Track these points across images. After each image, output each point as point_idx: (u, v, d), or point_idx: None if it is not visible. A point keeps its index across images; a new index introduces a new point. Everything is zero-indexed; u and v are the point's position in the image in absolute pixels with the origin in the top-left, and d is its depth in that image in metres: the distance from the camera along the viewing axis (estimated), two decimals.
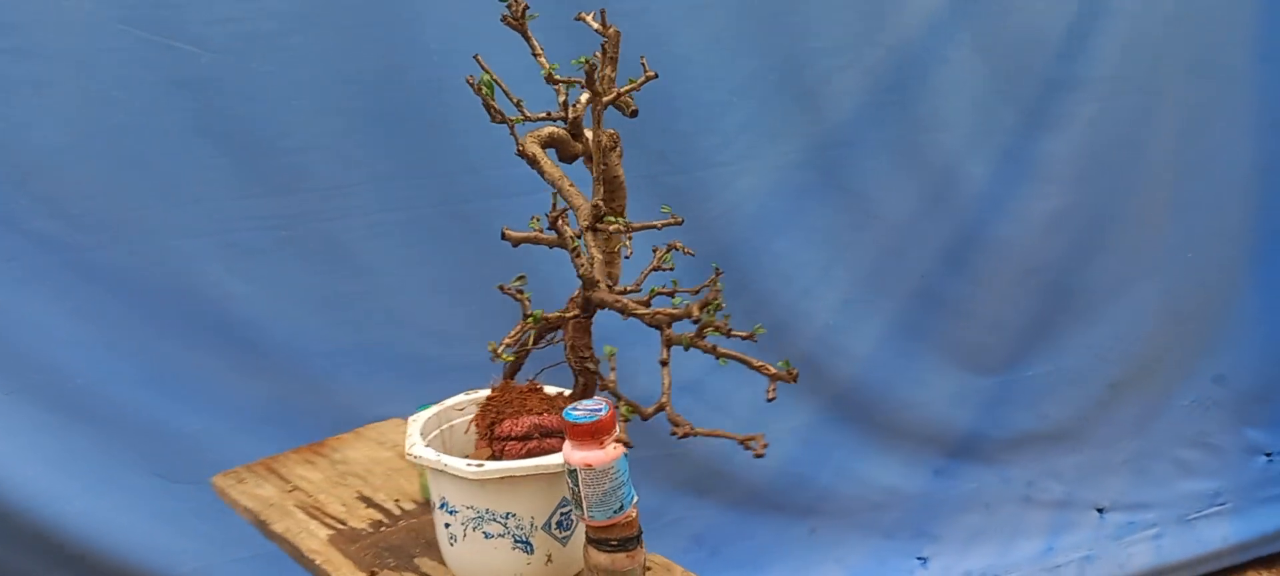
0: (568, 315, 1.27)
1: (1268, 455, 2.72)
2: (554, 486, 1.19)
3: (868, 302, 2.26)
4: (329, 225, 1.90)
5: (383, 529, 1.38)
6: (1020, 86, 2.26)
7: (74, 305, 1.82)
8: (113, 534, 1.87)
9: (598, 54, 1.13)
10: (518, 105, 1.17)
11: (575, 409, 1.11)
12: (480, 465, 1.15)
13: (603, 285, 1.18)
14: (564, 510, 1.21)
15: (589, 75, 1.10)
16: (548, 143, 1.26)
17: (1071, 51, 2.27)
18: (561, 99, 1.18)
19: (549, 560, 1.20)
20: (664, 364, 1.13)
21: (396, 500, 1.46)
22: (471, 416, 1.34)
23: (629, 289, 1.22)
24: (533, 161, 1.20)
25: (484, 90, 1.13)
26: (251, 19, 1.80)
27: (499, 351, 1.14)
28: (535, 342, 1.35)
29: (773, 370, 1.11)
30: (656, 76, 1.17)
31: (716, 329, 1.13)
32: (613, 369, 1.17)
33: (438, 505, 1.21)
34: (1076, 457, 2.58)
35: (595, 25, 1.18)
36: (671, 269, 1.17)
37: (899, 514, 2.46)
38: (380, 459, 1.59)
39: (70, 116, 1.76)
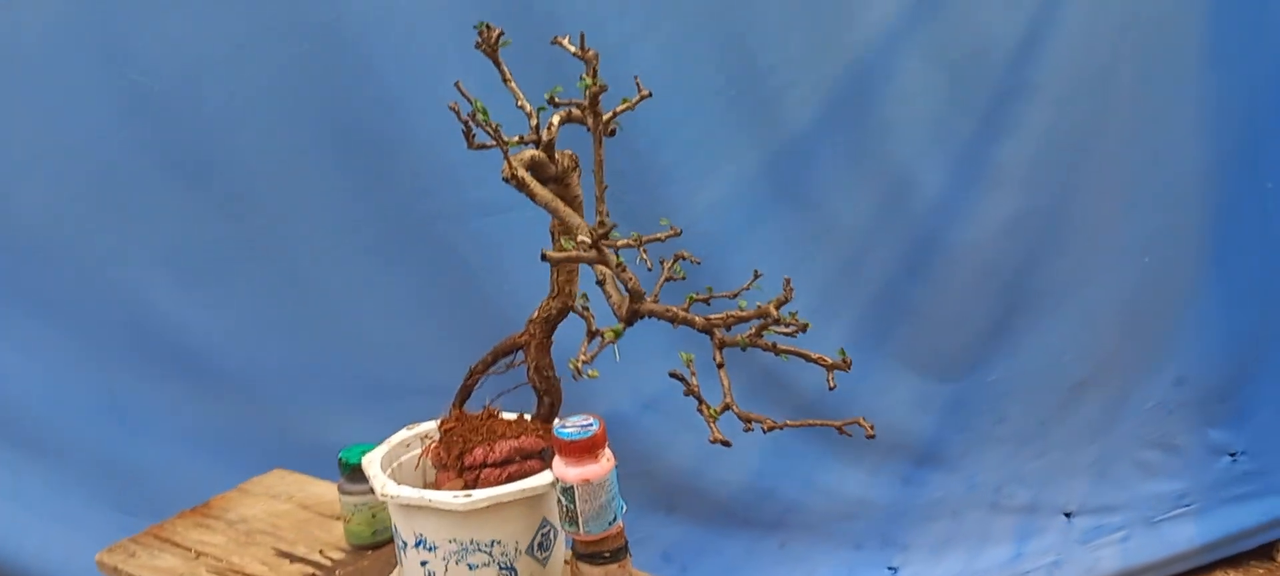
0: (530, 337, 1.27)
1: (1232, 455, 2.73)
2: (536, 509, 1.19)
3: (829, 312, 2.26)
4: (282, 249, 1.89)
5: None
6: (974, 94, 2.28)
7: (23, 338, 1.80)
8: (69, 569, 1.83)
9: (592, 79, 1.13)
10: (496, 131, 1.17)
11: (565, 426, 1.12)
12: (468, 495, 1.14)
13: (648, 297, 1.17)
14: (544, 531, 1.21)
15: (593, 99, 1.10)
16: (529, 166, 1.26)
17: (1024, 59, 2.28)
18: (532, 122, 1.18)
19: None
20: (720, 366, 1.12)
21: (320, 551, 1.43)
22: (418, 451, 1.33)
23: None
24: (522, 185, 1.19)
25: (479, 116, 1.12)
26: (201, 44, 1.79)
27: (578, 367, 1.13)
28: (490, 367, 1.34)
29: (829, 361, 1.10)
30: (650, 94, 1.17)
31: (783, 324, 1.12)
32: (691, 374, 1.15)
33: (411, 544, 1.19)
34: (1041, 461, 2.59)
35: (573, 49, 1.19)
36: (683, 277, 1.18)
37: (867, 524, 2.46)
38: (281, 511, 1.54)
39: (17, 145, 1.74)
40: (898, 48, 2.20)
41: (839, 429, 1.14)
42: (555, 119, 1.23)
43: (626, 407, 2.14)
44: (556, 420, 1.17)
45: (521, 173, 1.19)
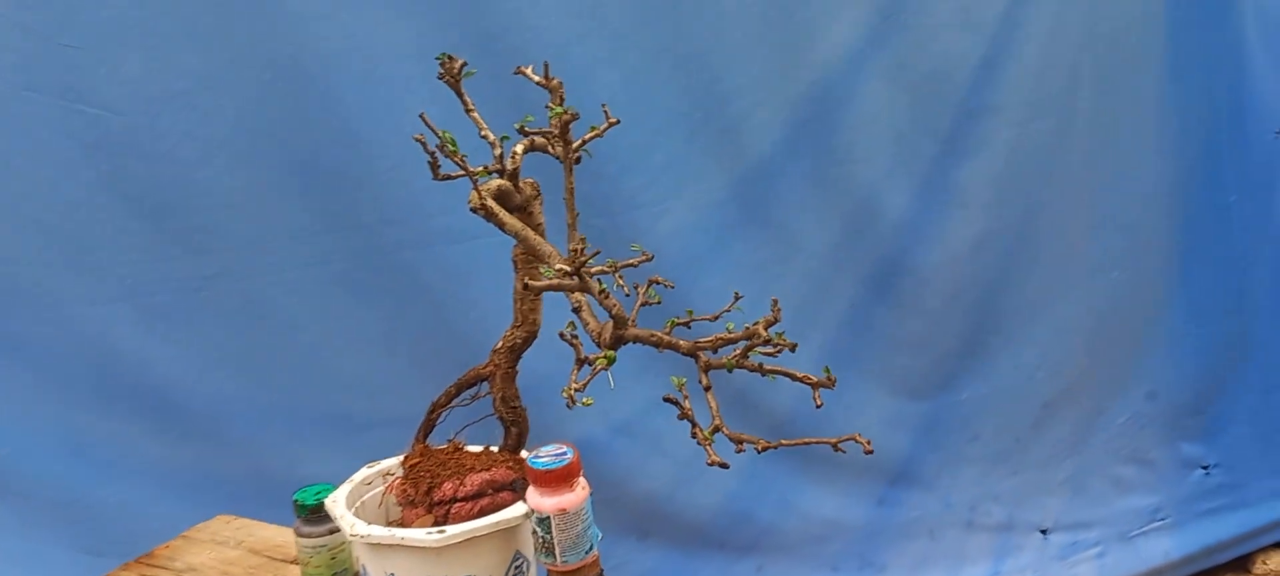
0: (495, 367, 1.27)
1: (1204, 468, 2.75)
2: (509, 541, 1.18)
3: (798, 334, 2.22)
4: (246, 283, 1.87)
5: None
6: (937, 115, 2.29)
7: None
8: None
9: (561, 106, 1.13)
10: (462, 160, 1.17)
11: (539, 456, 1.12)
12: (441, 531, 1.13)
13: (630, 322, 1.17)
14: (517, 564, 1.20)
15: (564, 127, 1.10)
16: (495, 195, 1.26)
17: (984, 80, 2.30)
18: (496, 152, 1.18)
19: None
20: (707, 389, 1.13)
21: None
22: (381, 489, 1.32)
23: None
24: (491, 215, 1.19)
25: (448, 146, 1.12)
26: (160, 79, 1.78)
27: (572, 395, 1.12)
28: (453, 400, 1.33)
29: (814, 379, 1.13)
30: (618, 122, 1.17)
31: (770, 344, 1.13)
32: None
33: None
34: (1016, 479, 2.60)
35: (536, 78, 1.20)
36: (659, 302, 1.18)
37: (843, 545, 2.46)
38: (232, 558, 1.51)
39: None
40: (860, 69, 2.22)
41: (834, 446, 1.15)
42: (519, 148, 1.24)
43: (597, 434, 2.13)
44: (530, 450, 1.17)
45: (490, 202, 1.20)
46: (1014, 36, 2.31)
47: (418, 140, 1.14)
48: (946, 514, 2.55)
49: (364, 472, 1.32)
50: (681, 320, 1.19)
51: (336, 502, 1.24)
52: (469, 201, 1.20)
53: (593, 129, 1.16)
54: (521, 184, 1.24)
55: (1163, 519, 2.72)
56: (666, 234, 2.14)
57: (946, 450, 2.51)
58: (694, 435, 1.11)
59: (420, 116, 1.14)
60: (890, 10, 2.20)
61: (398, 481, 1.28)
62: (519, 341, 1.32)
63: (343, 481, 1.30)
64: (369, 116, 1.88)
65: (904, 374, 2.41)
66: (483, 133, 1.18)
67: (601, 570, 1.14)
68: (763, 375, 1.14)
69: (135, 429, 1.87)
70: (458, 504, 1.21)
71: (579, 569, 1.12)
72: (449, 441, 1.33)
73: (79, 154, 1.76)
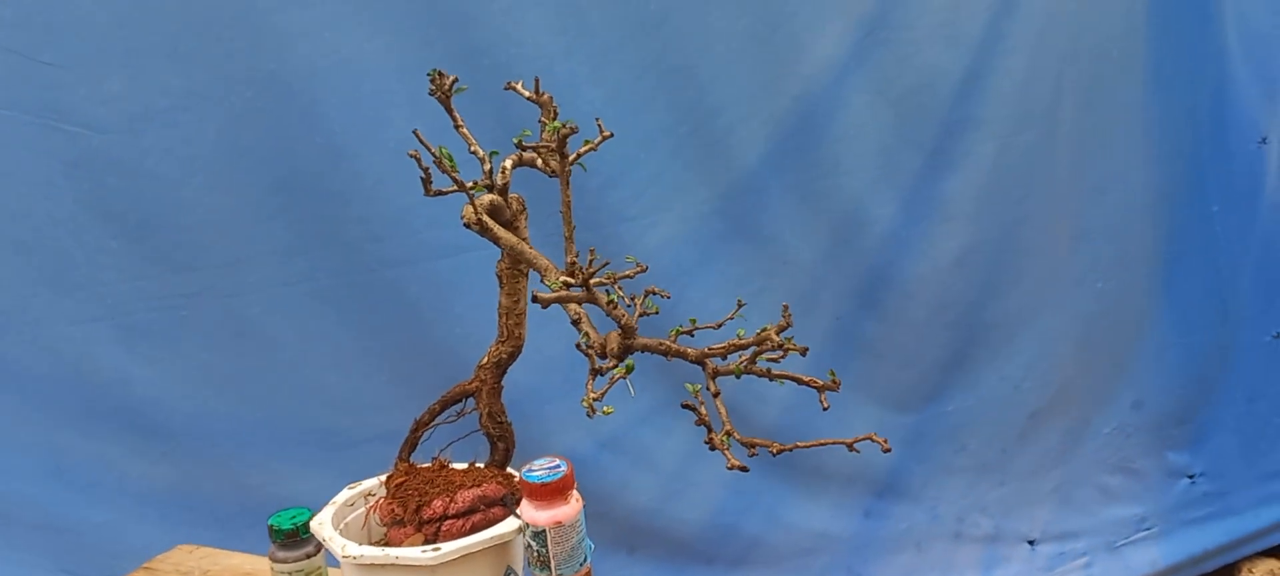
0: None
1: (1190, 477, 2.75)
2: (501, 557, 1.18)
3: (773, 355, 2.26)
4: (229, 301, 1.86)
5: None
6: (921, 129, 2.30)
7: None
8: None
9: (557, 121, 1.14)
10: (453, 176, 1.16)
11: (533, 470, 1.14)
12: (436, 548, 1.13)
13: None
14: None
15: (562, 141, 1.10)
16: (487, 211, 1.26)
17: (969, 93, 2.31)
18: (486, 167, 1.19)
19: None
20: (716, 395, 1.14)
21: None
22: (363, 510, 1.31)
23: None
24: (486, 230, 1.20)
25: (445, 163, 1.12)
26: (142, 97, 1.77)
27: (591, 405, 1.12)
28: (437, 417, 1.33)
29: (820, 383, 1.15)
30: (612, 135, 1.18)
31: (778, 348, 1.15)
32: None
33: None
34: (1003, 490, 2.60)
35: (526, 93, 1.21)
36: (656, 312, 1.18)
37: (831, 558, 2.45)
38: None
39: None
40: (844, 83, 2.22)
41: (849, 446, 1.16)
42: (507, 163, 1.24)
43: (584, 448, 2.12)
44: (525, 464, 1.18)
45: (485, 217, 1.20)
46: (997, 50, 2.31)
47: (412, 156, 1.14)
48: (934, 525, 2.55)
49: (346, 494, 1.31)
50: (685, 329, 1.21)
51: (323, 525, 1.23)
52: (464, 216, 1.20)
53: (587, 143, 1.16)
54: (510, 199, 1.24)
55: (1149, 528, 2.73)
56: (653, 247, 2.13)
57: (933, 461, 2.51)
58: (709, 439, 1.12)
59: (414, 133, 1.14)
60: (874, 25, 2.21)
61: (383, 501, 1.28)
62: (505, 357, 1.32)
63: (322, 503, 1.30)
64: (352, 133, 1.87)
65: (890, 385, 2.41)
66: (472, 148, 1.18)
67: None
68: (770, 379, 1.16)
69: (117, 448, 1.86)
70: (448, 521, 1.20)
71: None
72: (434, 458, 1.32)
73: (59, 172, 1.75)
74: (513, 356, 1.33)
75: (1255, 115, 2.53)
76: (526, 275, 1.31)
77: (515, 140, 1.15)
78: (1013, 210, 2.41)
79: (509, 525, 1.18)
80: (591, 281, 1.10)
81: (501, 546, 1.17)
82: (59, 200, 1.76)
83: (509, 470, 1.34)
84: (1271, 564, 2.75)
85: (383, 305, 1.93)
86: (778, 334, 1.14)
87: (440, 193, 1.19)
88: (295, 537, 1.26)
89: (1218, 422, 2.74)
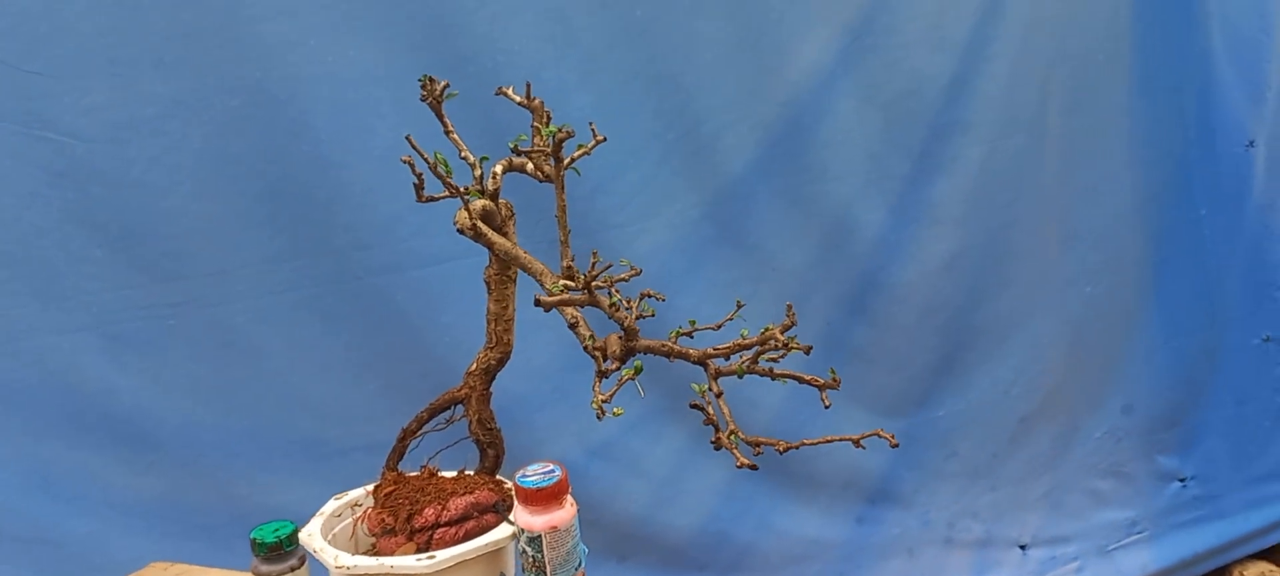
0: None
1: (1181, 481, 2.76)
2: (495, 564, 1.19)
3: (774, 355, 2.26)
4: (215, 311, 1.85)
5: None
6: (909, 134, 2.30)
7: None
8: None
9: (553, 125, 1.14)
10: (447, 181, 1.16)
11: (527, 475, 1.14)
12: (431, 557, 1.13)
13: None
14: None
15: (558, 145, 1.11)
16: (480, 216, 1.26)
17: (956, 97, 2.32)
18: (476, 173, 1.19)
19: None
20: (718, 395, 1.15)
21: None
22: (350, 520, 1.30)
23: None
24: (480, 236, 1.20)
25: (441, 168, 1.12)
26: (126, 105, 1.76)
27: (600, 407, 1.11)
28: (425, 425, 1.32)
29: (820, 381, 1.17)
30: (605, 139, 1.18)
31: (782, 346, 1.16)
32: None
33: None
34: (994, 495, 2.60)
35: (517, 98, 1.22)
36: (652, 314, 1.18)
37: (823, 564, 2.44)
38: None
39: None
40: (831, 89, 2.22)
41: (855, 442, 1.19)
42: (498, 168, 1.25)
43: (574, 456, 2.11)
44: (517, 470, 1.18)
45: (479, 223, 1.20)
46: (984, 55, 2.32)
47: (406, 162, 1.14)
48: (925, 531, 2.54)
49: (332, 504, 1.31)
50: (685, 330, 1.21)
51: (313, 536, 1.22)
52: (457, 222, 1.20)
53: (580, 147, 1.16)
54: (499, 204, 1.25)
55: (1140, 532, 2.73)
56: (641, 254, 2.13)
57: (924, 467, 2.51)
58: (716, 439, 1.12)
59: (406, 139, 1.14)
60: (861, 30, 2.21)
61: (372, 510, 1.27)
62: (493, 363, 1.31)
63: (310, 514, 1.29)
64: (339, 141, 1.87)
65: (881, 391, 2.41)
66: (463, 154, 1.18)
67: None
68: (773, 379, 1.17)
69: (102, 459, 1.84)
70: (441, 529, 1.20)
71: None
72: (423, 467, 1.32)
73: (44, 181, 1.74)
74: (501, 362, 1.32)
75: (1242, 118, 2.54)
76: (515, 280, 1.31)
77: (511, 144, 1.15)
78: (1001, 214, 2.41)
79: (503, 531, 1.18)
80: (592, 284, 1.10)
81: (496, 553, 1.17)
82: (44, 209, 1.74)
83: (499, 477, 1.34)
84: (1263, 566, 2.75)
85: (370, 314, 1.92)
86: (782, 333, 1.14)
87: (432, 198, 1.19)
88: (279, 551, 1.25)
89: (1207, 426, 2.75)
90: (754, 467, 1.09)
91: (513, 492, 1.18)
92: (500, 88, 1.24)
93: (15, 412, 1.79)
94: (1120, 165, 2.53)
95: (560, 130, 1.10)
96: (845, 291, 2.33)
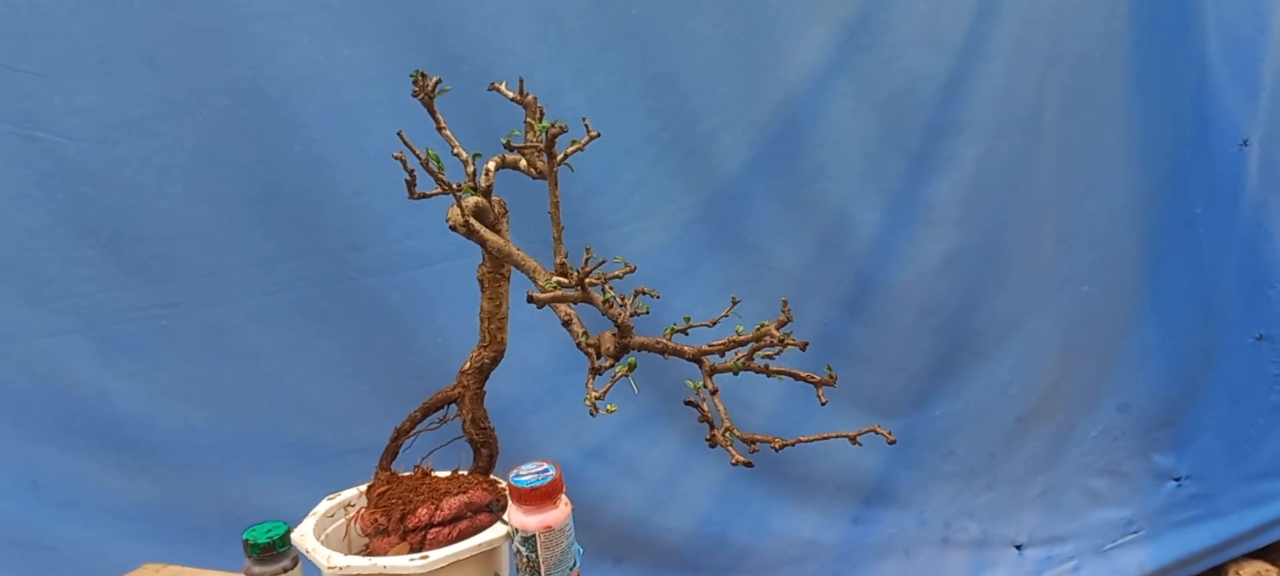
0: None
1: (1176, 480, 2.76)
2: (489, 563, 1.18)
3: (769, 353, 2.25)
4: (207, 313, 1.84)
5: None
6: (904, 133, 2.29)
7: None
8: None
9: (540, 120, 1.14)
10: (440, 177, 1.16)
11: (521, 474, 1.14)
12: (424, 557, 1.12)
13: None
14: None
15: (551, 140, 1.10)
16: (472, 213, 1.25)
17: (952, 97, 2.31)
18: (469, 170, 1.18)
19: None
20: (713, 393, 1.14)
21: None
22: (343, 521, 1.30)
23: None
24: (473, 233, 1.19)
25: (433, 164, 1.12)
26: (118, 106, 1.74)
27: (594, 404, 1.11)
28: (418, 425, 1.32)
29: (817, 378, 1.16)
30: (599, 135, 1.17)
31: (777, 343, 1.15)
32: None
33: None
34: (990, 495, 2.60)
35: (511, 95, 1.21)
36: (647, 312, 1.18)
37: (819, 565, 2.44)
38: None
39: None
40: (827, 88, 2.22)
41: (852, 439, 1.18)
42: (491, 165, 1.24)
43: (569, 458, 2.11)
44: (511, 470, 1.17)
45: (471, 220, 1.19)
46: (979, 54, 2.31)
47: (397, 158, 1.13)
48: (921, 531, 2.54)
49: (325, 505, 1.30)
50: (680, 327, 1.20)
51: (305, 536, 1.22)
52: (449, 219, 1.20)
53: (574, 143, 1.16)
54: (492, 201, 1.24)
55: (1137, 531, 2.73)
56: (636, 254, 2.11)
57: (921, 468, 2.51)
58: (711, 437, 1.11)
59: (398, 135, 1.13)
60: (856, 29, 2.21)
61: (365, 510, 1.26)
62: (487, 361, 1.31)
63: (303, 515, 1.28)
64: (331, 142, 1.86)
65: (877, 391, 2.41)
66: (455, 150, 1.18)
67: None
68: (769, 376, 1.17)
69: (94, 462, 1.83)
70: (434, 529, 1.20)
71: None
72: (416, 467, 1.31)
73: (35, 182, 1.73)
74: (495, 361, 1.32)
75: (1236, 117, 2.54)
76: (508, 279, 1.30)
77: (503, 140, 1.14)
78: (997, 214, 2.41)
79: (497, 531, 1.17)
80: (586, 281, 1.10)
81: (490, 553, 1.17)
82: (34, 211, 1.73)
83: (493, 476, 1.33)
84: (1259, 565, 2.75)
85: (364, 315, 1.92)
86: (778, 329, 1.14)
87: (424, 195, 1.18)
88: (271, 551, 1.24)
89: (1202, 425, 2.75)
90: (749, 465, 1.08)
91: (507, 492, 1.17)
92: (493, 83, 1.23)
93: (6, 416, 1.77)
94: (1116, 164, 2.53)
95: (553, 125, 1.09)
96: (841, 292, 2.32)
